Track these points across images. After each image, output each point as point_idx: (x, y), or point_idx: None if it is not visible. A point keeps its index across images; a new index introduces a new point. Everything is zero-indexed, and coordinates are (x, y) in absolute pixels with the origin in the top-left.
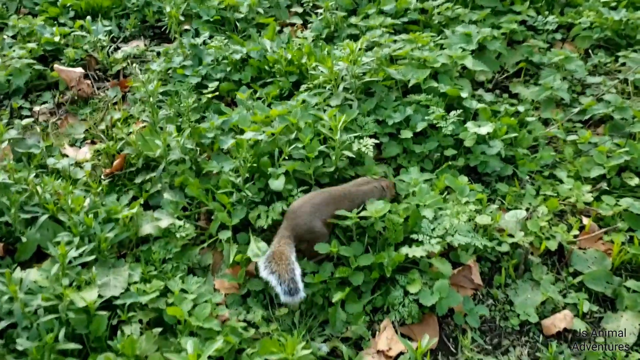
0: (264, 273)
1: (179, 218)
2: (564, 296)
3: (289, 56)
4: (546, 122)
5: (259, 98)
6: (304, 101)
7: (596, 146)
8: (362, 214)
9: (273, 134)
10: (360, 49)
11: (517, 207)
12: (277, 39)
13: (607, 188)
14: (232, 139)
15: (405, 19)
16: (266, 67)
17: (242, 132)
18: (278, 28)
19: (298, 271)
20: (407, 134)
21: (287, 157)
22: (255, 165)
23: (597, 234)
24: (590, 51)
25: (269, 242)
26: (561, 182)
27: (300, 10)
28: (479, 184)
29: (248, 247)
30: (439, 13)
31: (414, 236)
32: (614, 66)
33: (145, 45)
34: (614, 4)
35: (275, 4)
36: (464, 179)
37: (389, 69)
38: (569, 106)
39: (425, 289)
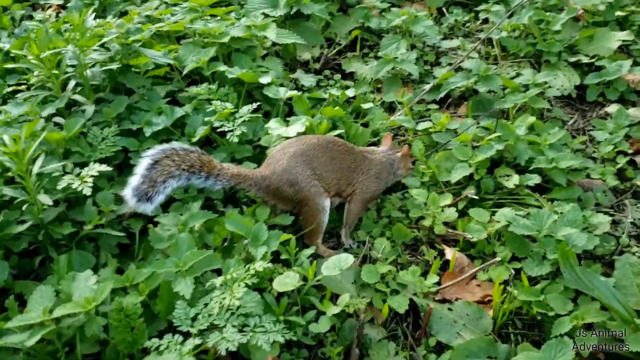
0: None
1: None
2: None
3: (6, 47)
4: (392, 108)
5: None
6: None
7: (457, 135)
8: (57, 311)
9: None
10: (99, 26)
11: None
12: (20, 29)
13: (476, 197)
14: None
15: None
16: None
17: None
18: (29, 13)
19: (167, 190)
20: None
21: None
22: None
23: (469, 274)
24: (445, 10)
25: None
26: (410, 195)
27: None
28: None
29: None
30: None
31: (150, 343)
32: (474, 25)
33: None
34: None
35: None
36: (264, 211)
37: (148, 51)
38: (421, 82)
39: None
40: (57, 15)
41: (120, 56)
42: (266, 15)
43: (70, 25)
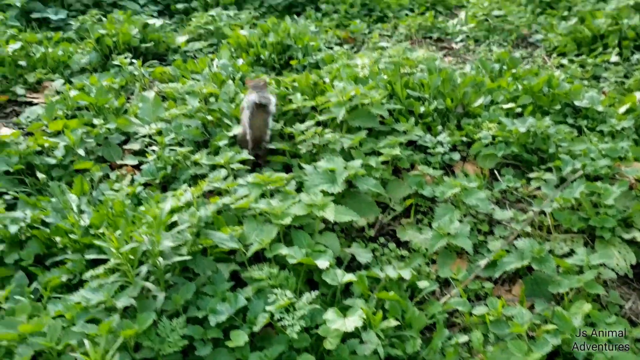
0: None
1: None
2: None
3: (86, 222)
4: (447, 282)
5: (36, 290)
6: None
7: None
8: None
9: None
10: (176, 209)
11: None
12: (97, 191)
13: None
14: None
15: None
16: (57, 239)
17: None
18: (106, 172)
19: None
20: (239, 338)
21: None
22: None
23: None
24: (496, 172)
25: None
26: None
27: (137, 146)
28: None
29: None
30: (304, 141)
31: None
32: (526, 190)
33: None
34: (518, 110)
35: (104, 141)
36: None
37: (216, 234)
38: (475, 253)
39: None
40: (132, 179)
41: (191, 243)
42: (325, 193)
43: (145, 217)
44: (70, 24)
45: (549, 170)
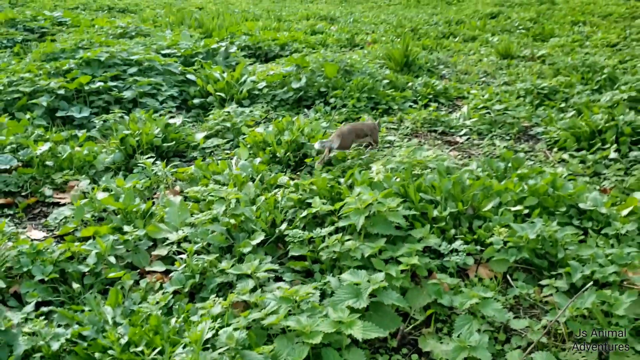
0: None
1: None
2: None
3: (124, 340)
4: None
5: None
6: None
7: None
8: None
9: None
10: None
11: None
12: (129, 300)
13: None
14: None
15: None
16: (97, 356)
17: None
18: (135, 279)
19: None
20: None
21: None
22: None
23: None
24: (509, 277)
25: None
26: None
27: (164, 252)
28: None
29: None
30: (327, 247)
31: None
32: (538, 296)
33: None
34: (526, 212)
35: (134, 247)
36: None
37: (252, 354)
38: None
39: None
40: (160, 286)
41: None
42: (351, 310)
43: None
44: (93, 121)
45: (559, 275)
